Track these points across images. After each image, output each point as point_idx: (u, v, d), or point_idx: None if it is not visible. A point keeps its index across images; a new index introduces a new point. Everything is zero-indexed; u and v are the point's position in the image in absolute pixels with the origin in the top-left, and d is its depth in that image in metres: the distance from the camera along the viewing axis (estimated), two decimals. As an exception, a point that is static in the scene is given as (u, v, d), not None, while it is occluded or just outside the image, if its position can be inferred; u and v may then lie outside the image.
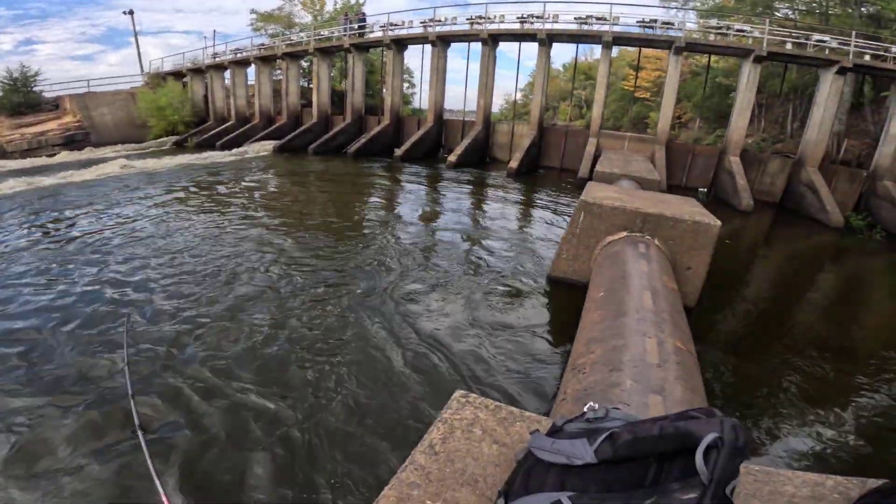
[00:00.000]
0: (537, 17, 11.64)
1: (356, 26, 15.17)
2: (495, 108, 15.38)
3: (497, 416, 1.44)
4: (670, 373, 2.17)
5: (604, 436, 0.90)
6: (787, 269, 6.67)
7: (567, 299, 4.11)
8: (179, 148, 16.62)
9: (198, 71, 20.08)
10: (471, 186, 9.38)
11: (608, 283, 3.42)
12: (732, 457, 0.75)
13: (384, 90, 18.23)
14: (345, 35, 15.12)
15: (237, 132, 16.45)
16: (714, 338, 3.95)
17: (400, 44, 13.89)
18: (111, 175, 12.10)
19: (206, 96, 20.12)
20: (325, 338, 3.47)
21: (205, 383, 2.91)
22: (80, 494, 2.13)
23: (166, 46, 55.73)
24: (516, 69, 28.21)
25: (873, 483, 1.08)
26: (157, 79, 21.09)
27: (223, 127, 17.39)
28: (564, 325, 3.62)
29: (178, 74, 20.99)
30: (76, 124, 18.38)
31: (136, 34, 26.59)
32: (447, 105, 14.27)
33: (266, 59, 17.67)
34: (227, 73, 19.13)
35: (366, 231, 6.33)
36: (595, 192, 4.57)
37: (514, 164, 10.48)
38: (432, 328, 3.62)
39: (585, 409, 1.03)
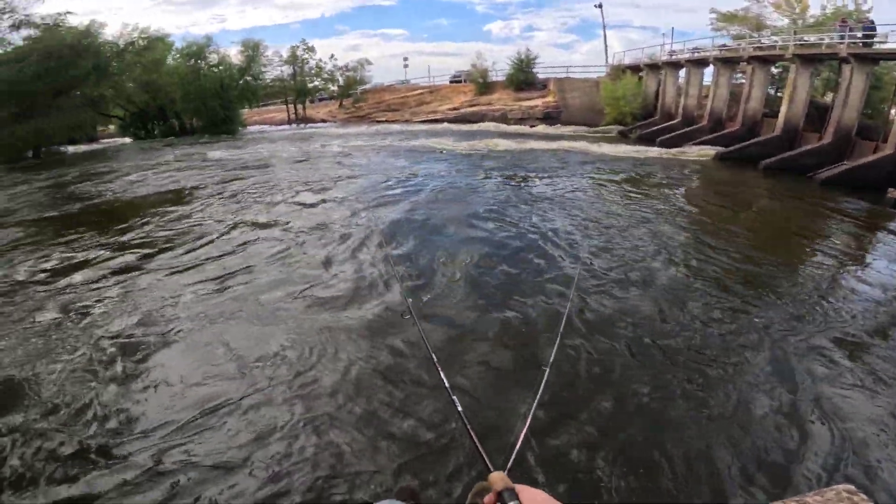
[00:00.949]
0: None
1: (860, 35, 12.12)
2: None
3: None
4: None
5: None
6: None
7: None
8: (622, 137, 18.77)
9: (653, 67, 21.08)
10: None
11: None
12: None
13: (893, 111, 13.69)
14: (841, 42, 12.09)
15: (680, 132, 16.74)
16: None
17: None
18: (566, 149, 15.34)
19: (657, 92, 21.19)
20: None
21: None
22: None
23: (625, 40, 60.73)
24: None
25: None
26: (618, 70, 23.85)
27: (667, 124, 18.08)
28: None
29: (634, 68, 22.85)
30: (553, 104, 23.88)
31: (604, 27, 30.49)
32: None
33: (727, 61, 16.54)
34: (682, 72, 19.15)
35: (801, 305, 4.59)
36: None
37: None
38: None
39: None
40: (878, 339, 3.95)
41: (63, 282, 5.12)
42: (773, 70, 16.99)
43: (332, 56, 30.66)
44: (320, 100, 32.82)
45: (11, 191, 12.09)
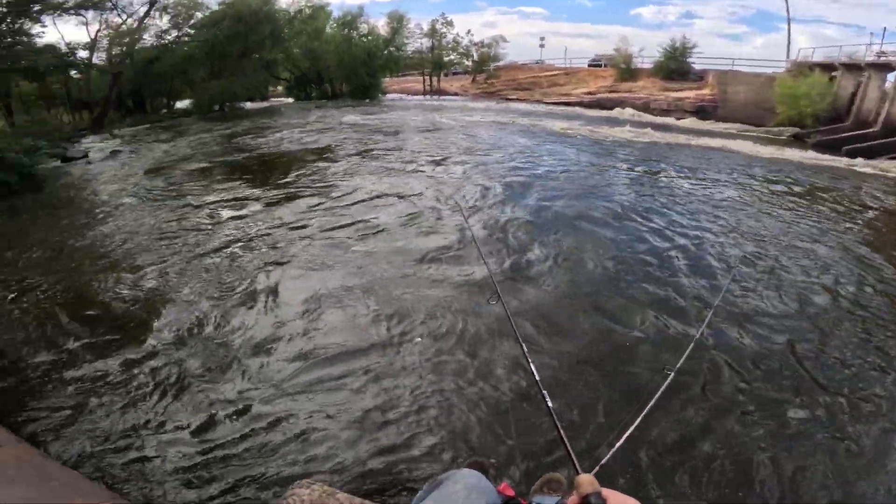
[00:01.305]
0: None
1: None
2: None
3: None
4: None
5: None
6: None
7: None
8: (796, 140, 15.98)
9: (852, 67, 17.49)
10: None
11: None
12: None
13: None
14: None
15: (877, 141, 13.70)
16: None
17: None
18: (719, 147, 13.54)
19: (853, 94, 17.49)
20: None
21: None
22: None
23: (817, 36, 51.01)
24: None
25: None
26: (803, 67, 20.10)
27: (861, 132, 14.89)
28: None
29: (827, 67, 19.05)
30: (710, 97, 21.12)
31: (788, 19, 25.64)
32: None
33: None
34: (891, 76, 15.61)
35: None
36: None
37: None
38: None
39: None
40: None
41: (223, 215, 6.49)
42: None
43: (469, 31, 30.87)
44: (454, 73, 33.51)
45: (195, 137, 14.84)
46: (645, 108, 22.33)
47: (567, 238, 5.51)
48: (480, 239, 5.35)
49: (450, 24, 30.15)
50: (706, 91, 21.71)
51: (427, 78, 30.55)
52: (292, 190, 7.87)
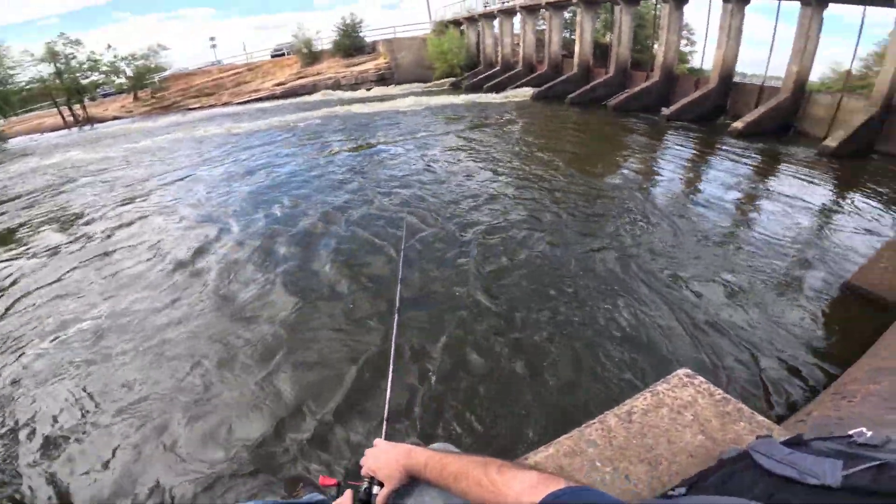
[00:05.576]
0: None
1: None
2: (813, 78, 11.65)
3: (719, 409, 1.25)
4: None
5: (870, 464, 0.70)
6: None
7: (861, 315, 3.30)
8: (455, 88, 19.22)
9: (472, 19, 21.99)
10: (760, 160, 7.78)
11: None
12: None
13: (655, 45, 16.37)
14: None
15: (502, 77, 17.81)
16: None
17: None
18: (408, 107, 15.13)
19: (477, 43, 22.11)
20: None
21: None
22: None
23: None
24: (857, 36, 20.37)
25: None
26: (441, 26, 24.20)
27: (491, 72, 19.02)
28: (845, 344, 2.99)
29: (456, 23, 23.52)
30: (386, 65, 23.20)
31: None
32: (739, 68, 11.74)
33: (531, 10, 17.95)
34: (496, 22, 20.35)
35: (614, 191, 6.15)
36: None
37: (832, 142, 8.05)
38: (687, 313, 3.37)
39: (853, 433, 0.83)
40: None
41: None
42: (566, 15, 18.83)
43: (109, 46, 24.63)
44: (104, 95, 26.56)
45: None
46: (336, 86, 22.92)
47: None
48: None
49: (77, 42, 23.25)
50: (381, 60, 23.75)
51: (66, 108, 23.13)
52: None
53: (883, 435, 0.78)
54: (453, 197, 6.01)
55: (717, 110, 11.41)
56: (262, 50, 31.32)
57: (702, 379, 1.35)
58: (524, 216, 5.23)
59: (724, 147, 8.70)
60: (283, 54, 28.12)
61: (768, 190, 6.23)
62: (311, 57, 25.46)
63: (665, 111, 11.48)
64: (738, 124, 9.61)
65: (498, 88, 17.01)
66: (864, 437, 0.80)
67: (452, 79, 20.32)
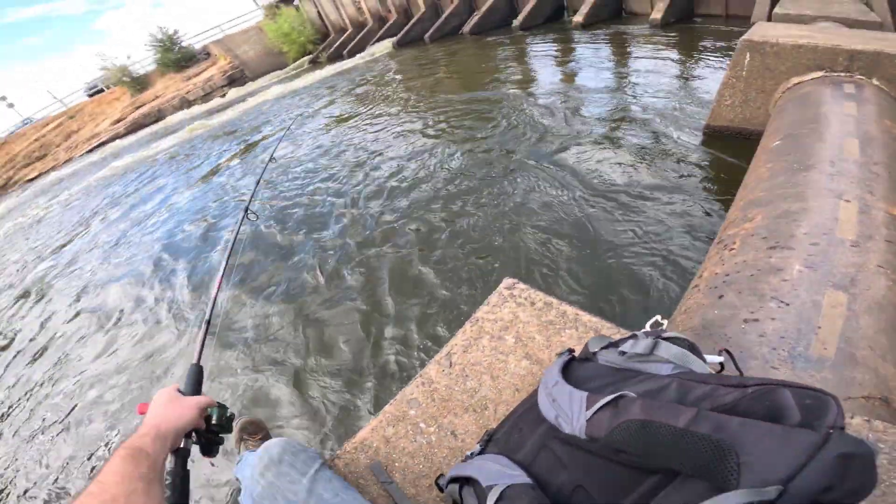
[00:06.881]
0: None
1: None
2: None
3: (542, 320, 1.13)
4: (872, 257, 1.40)
5: (609, 397, 0.59)
6: None
7: (730, 152, 3.55)
8: (316, 64, 18.45)
9: None
10: (607, 44, 8.85)
11: (790, 129, 2.54)
12: None
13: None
14: None
15: (357, 38, 17.45)
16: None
17: None
18: (277, 95, 14.38)
19: (319, 13, 21.09)
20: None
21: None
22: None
23: None
24: None
25: None
26: (273, 8, 22.57)
27: (344, 37, 18.47)
28: (722, 185, 3.16)
29: (286, 0, 22.07)
30: (230, 65, 21.33)
31: None
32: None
33: None
34: None
35: (501, 99, 6.80)
36: (767, 31, 3.49)
37: (657, 14, 9.27)
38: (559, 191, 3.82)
39: (625, 345, 0.75)
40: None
41: None
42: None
43: None
44: None
45: None
46: (185, 103, 20.76)
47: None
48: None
49: None
50: (223, 62, 21.78)
51: None
52: None
53: (650, 340, 0.71)
54: (361, 154, 6.26)
55: (559, 10, 12.47)
56: (71, 93, 27.03)
57: (523, 286, 1.26)
58: (425, 143, 5.80)
59: (574, 40, 9.71)
60: (102, 90, 24.68)
61: (624, 66, 7.24)
62: (139, 83, 22.69)
63: (515, 22, 12.30)
64: (579, 17, 10.69)
65: (358, 50, 16.73)
66: (635, 341, 0.74)
67: (309, 56, 19.43)
